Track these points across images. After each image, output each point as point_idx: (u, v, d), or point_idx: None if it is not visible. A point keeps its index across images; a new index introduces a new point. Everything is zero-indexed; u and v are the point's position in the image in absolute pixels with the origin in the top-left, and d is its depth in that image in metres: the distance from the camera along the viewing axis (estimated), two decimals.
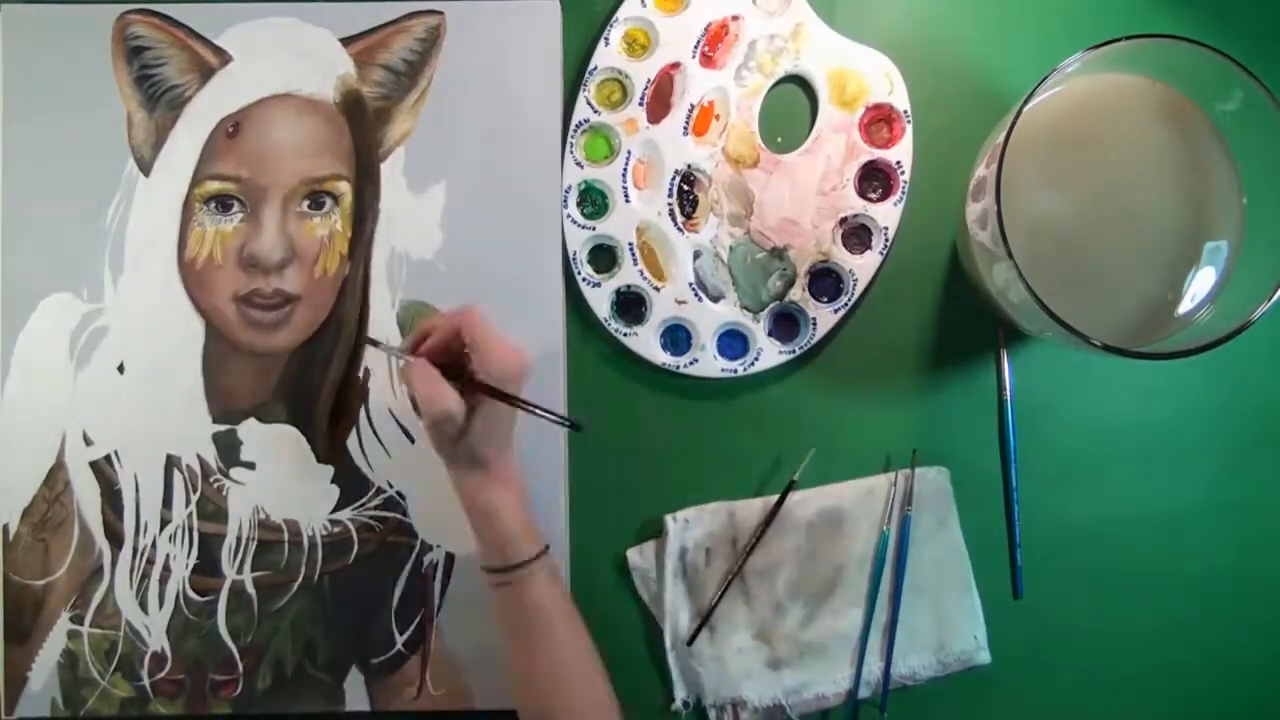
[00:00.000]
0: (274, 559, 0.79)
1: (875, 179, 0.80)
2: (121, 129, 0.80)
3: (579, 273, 0.80)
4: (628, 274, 0.80)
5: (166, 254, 0.80)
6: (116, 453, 0.79)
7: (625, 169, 0.80)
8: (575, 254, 0.80)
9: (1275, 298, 0.62)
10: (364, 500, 0.80)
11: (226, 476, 0.79)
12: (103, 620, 0.79)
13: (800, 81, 0.81)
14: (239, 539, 0.79)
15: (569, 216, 0.80)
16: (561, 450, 0.79)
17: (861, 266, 0.79)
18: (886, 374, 0.81)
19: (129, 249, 0.80)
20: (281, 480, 0.79)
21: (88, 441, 0.79)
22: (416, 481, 0.80)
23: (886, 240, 0.79)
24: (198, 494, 0.79)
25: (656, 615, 0.80)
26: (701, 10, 0.80)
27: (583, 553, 0.79)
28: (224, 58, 0.81)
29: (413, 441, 0.80)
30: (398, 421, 0.80)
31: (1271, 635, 0.80)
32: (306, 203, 0.80)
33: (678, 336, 0.81)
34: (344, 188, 0.80)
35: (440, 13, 0.81)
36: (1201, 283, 0.69)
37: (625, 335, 0.80)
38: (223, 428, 0.80)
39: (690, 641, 0.78)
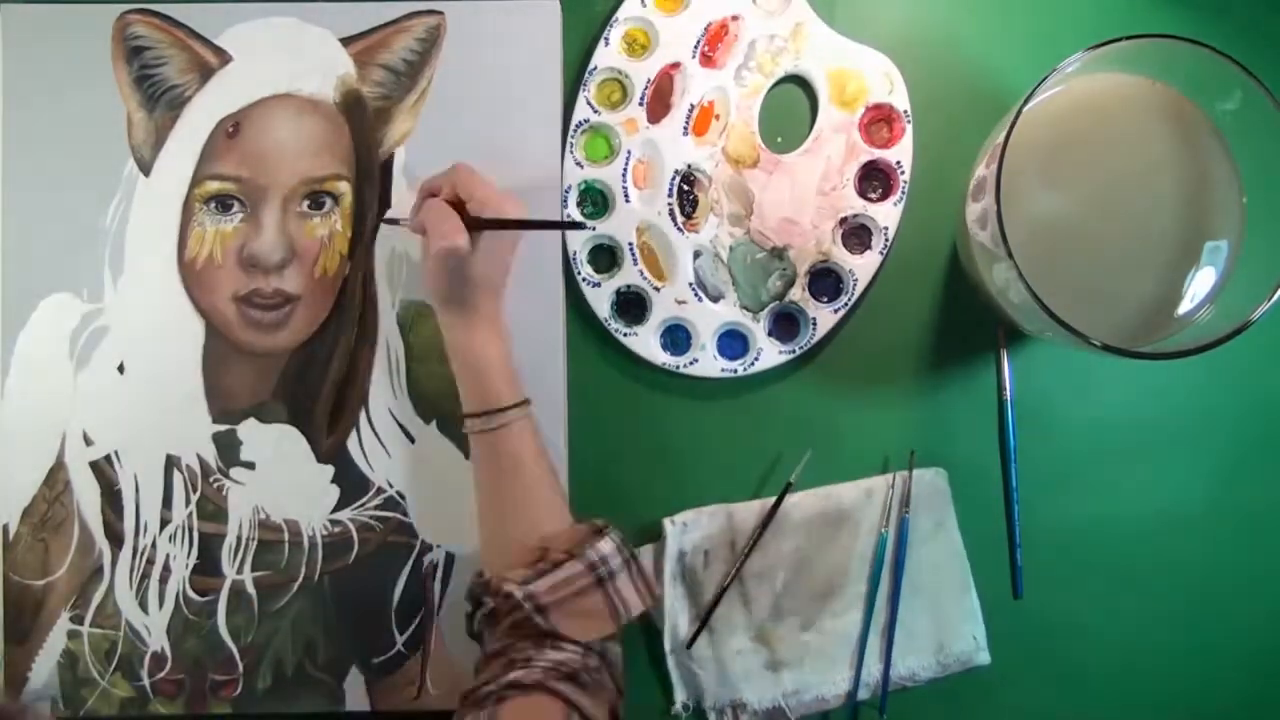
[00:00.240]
0: (274, 559, 0.79)
1: (875, 179, 0.80)
2: (121, 129, 0.80)
3: (579, 273, 0.80)
4: (628, 274, 0.80)
5: (166, 254, 0.80)
6: (116, 453, 0.79)
7: (625, 169, 0.80)
8: (575, 254, 0.80)
9: (1275, 298, 0.62)
10: (364, 500, 0.80)
11: (226, 476, 0.79)
12: (103, 620, 0.79)
13: (800, 81, 0.81)
14: (239, 539, 0.79)
15: (569, 216, 0.80)
16: (562, 450, 0.79)
17: (861, 266, 0.79)
18: (886, 374, 0.81)
19: (129, 249, 0.80)
20: (281, 480, 0.79)
21: (88, 441, 0.79)
22: (416, 481, 0.80)
23: (886, 240, 0.79)
24: (198, 494, 0.79)
25: (655, 618, 0.79)
26: (701, 10, 0.80)
27: None
28: (224, 58, 0.81)
29: (413, 441, 0.80)
30: (398, 421, 0.80)
31: (1272, 634, 0.80)
32: (306, 203, 0.80)
33: (678, 336, 0.81)
34: (344, 188, 0.80)
35: (440, 13, 0.81)
36: (1201, 283, 0.69)
37: (625, 335, 0.80)
38: (223, 427, 0.80)
39: (689, 644, 0.78)
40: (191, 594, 0.79)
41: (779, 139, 0.80)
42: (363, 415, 0.80)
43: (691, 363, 0.80)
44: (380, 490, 0.80)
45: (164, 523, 0.79)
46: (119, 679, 0.79)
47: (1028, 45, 0.80)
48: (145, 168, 0.80)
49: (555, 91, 0.81)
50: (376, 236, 0.80)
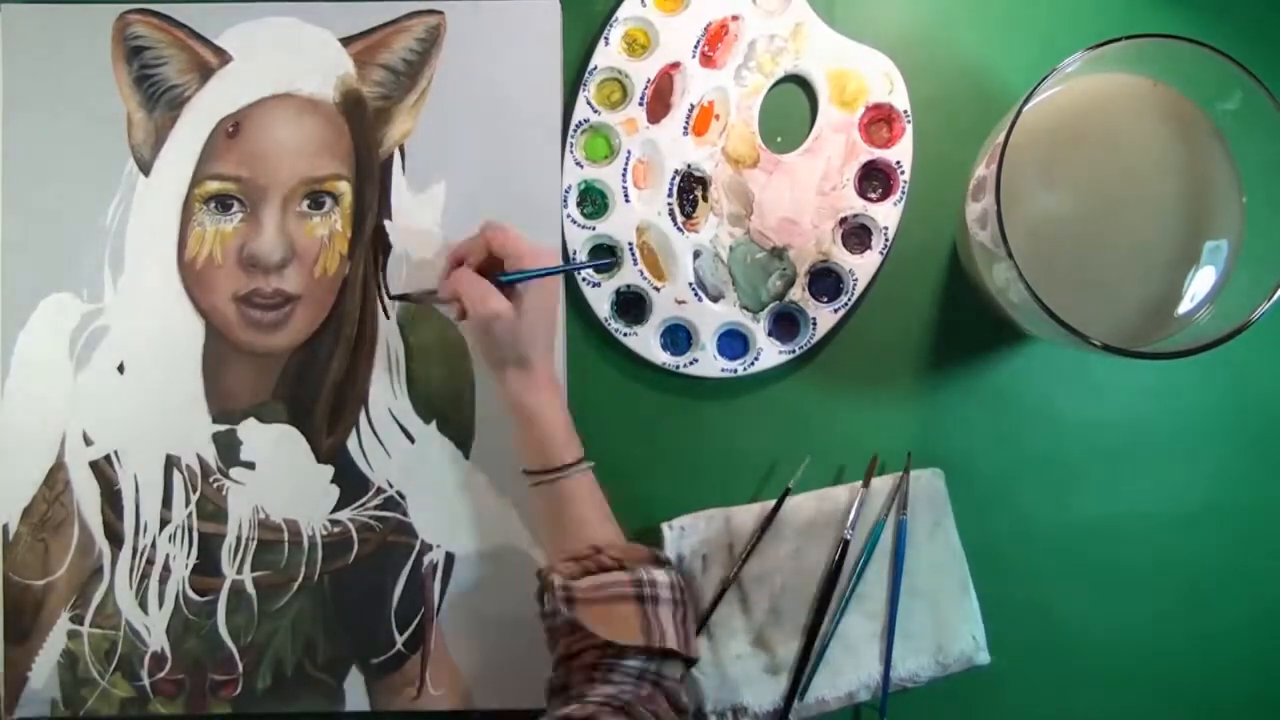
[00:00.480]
0: (274, 559, 0.79)
1: (875, 179, 0.80)
2: (121, 129, 0.80)
3: (579, 272, 0.80)
4: (628, 274, 0.80)
5: (166, 254, 0.80)
6: (116, 453, 0.79)
7: (625, 169, 0.80)
8: (575, 254, 0.80)
9: (1275, 298, 0.62)
10: (364, 500, 0.80)
11: (226, 476, 0.79)
12: (103, 620, 0.79)
13: (800, 81, 0.81)
14: (239, 539, 0.79)
15: (569, 216, 0.80)
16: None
17: (861, 266, 0.79)
18: (886, 374, 0.81)
19: (129, 249, 0.80)
20: (281, 480, 0.79)
21: (88, 441, 0.79)
22: (416, 481, 0.80)
23: (886, 240, 0.79)
24: (197, 494, 0.79)
25: None
26: (701, 10, 0.80)
27: None
28: (224, 58, 0.81)
29: (413, 441, 0.80)
30: (397, 421, 0.80)
31: (1272, 634, 0.80)
32: (306, 202, 0.80)
33: (678, 336, 0.81)
34: (344, 187, 0.80)
35: (440, 12, 0.81)
36: (1201, 282, 0.69)
37: (625, 335, 0.80)
38: (222, 427, 0.80)
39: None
40: (191, 594, 0.79)
41: (779, 139, 0.80)
42: (362, 415, 0.80)
43: (691, 363, 0.80)
44: (380, 490, 0.80)
45: (164, 523, 0.79)
46: (119, 679, 0.79)
47: (1028, 45, 0.80)
48: (145, 167, 0.80)
49: (555, 91, 0.81)
50: (382, 262, 0.80)
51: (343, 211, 0.80)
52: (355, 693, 0.79)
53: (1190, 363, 0.64)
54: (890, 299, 0.80)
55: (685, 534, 0.79)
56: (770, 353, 0.80)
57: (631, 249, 0.80)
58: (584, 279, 0.80)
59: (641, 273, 0.80)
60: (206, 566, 0.79)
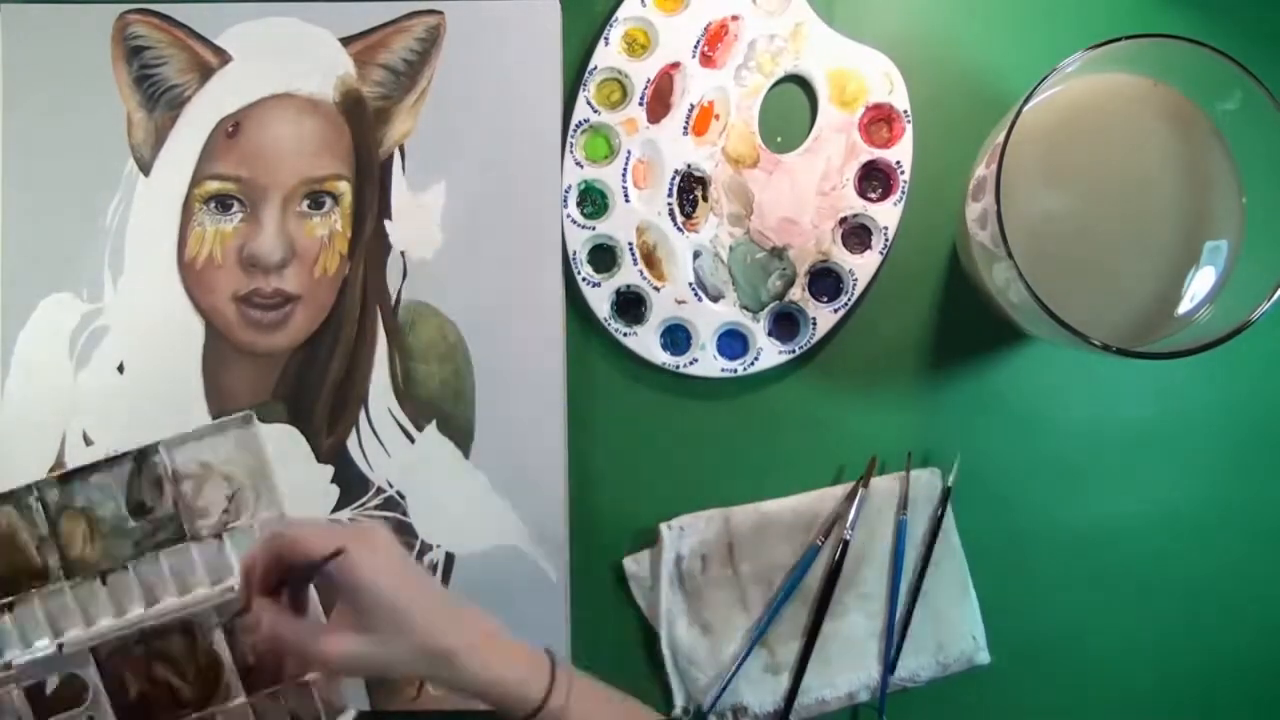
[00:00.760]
0: None
1: (875, 179, 0.80)
2: (121, 129, 0.80)
3: (579, 273, 0.80)
4: (628, 274, 0.80)
5: (166, 254, 0.80)
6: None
7: (625, 169, 0.80)
8: (575, 254, 0.80)
9: (1275, 297, 0.62)
10: (364, 500, 0.80)
11: None
12: None
13: (800, 81, 0.81)
14: None
15: (569, 216, 0.80)
16: (561, 451, 0.79)
17: (861, 266, 0.79)
18: (886, 374, 0.81)
19: (129, 249, 0.80)
20: (281, 480, 0.79)
21: (88, 441, 0.79)
22: (416, 481, 0.80)
23: (886, 240, 0.79)
24: None
25: (653, 623, 0.79)
26: (701, 10, 0.80)
27: (582, 558, 0.79)
28: (224, 57, 0.81)
29: (413, 441, 0.80)
30: (397, 421, 0.80)
31: (1272, 635, 0.80)
32: (306, 202, 0.80)
33: (677, 336, 0.81)
34: (344, 187, 0.80)
35: (440, 12, 0.81)
36: (1201, 282, 0.69)
37: (625, 335, 0.80)
38: None
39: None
40: None
41: (779, 139, 0.80)
42: (362, 415, 0.80)
43: (691, 363, 0.80)
44: (380, 490, 0.80)
45: None
46: None
47: (1028, 45, 0.80)
48: (145, 167, 0.80)
49: (555, 91, 0.81)
50: (381, 262, 0.80)
51: (343, 211, 0.80)
52: (355, 693, 0.79)
53: (1190, 363, 0.64)
54: (890, 299, 0.80)
55: (684, 534, 0.79)
56: (770, 353, 0.80)
57: (631, 249, 0.80)
58: (584, 278, 0.80)
59: (641, 273, 0.80)
60: None
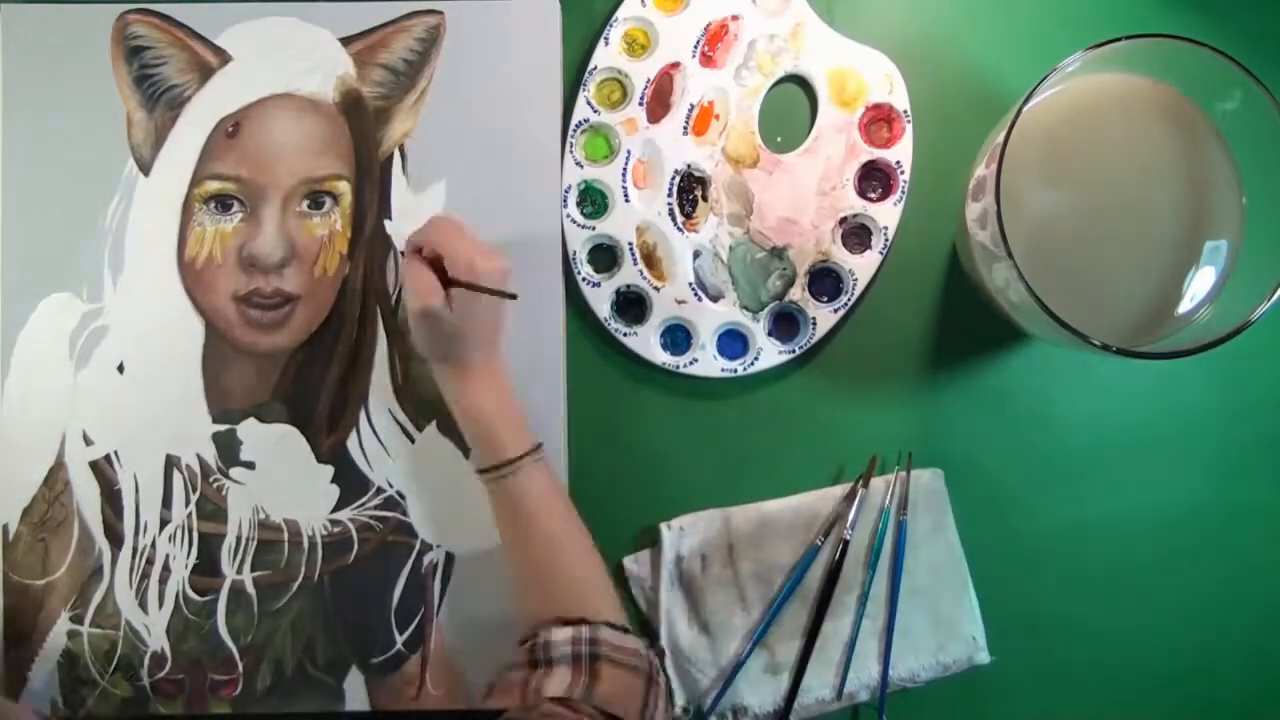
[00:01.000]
0: (274, 559, 0.79)
1: (875, 179, 0.80)
2: (121, 129, 0.80)
3: (579, 273, 0.80)
4: (628, 274, 0.80)
5: (166, 254, 0.80)
6: (116, 452, 0.79)
7: (625, 169, 0.80)
8: (575, 254, 0.80)
9: (1275, 297, 0.62)
10: (364, 500, 0.80)
11: (226, 476, 0.79)
12: (102, 620, 0.79)
13: (800, 81, 0.81)
14: (239, 539, 0.79)
15: (569, 216, 0.80)
16: (561, 451, 0.79)
17: (861, 266, 0.79)
18: (886, 374, 0.81)
19: (129, 249, 0.80)
20: (281, 480, 0.79)
21: (87, 441, 0.79)
22: (416, 481, 0.80)
23: (886, 240, 0.79)
24: (197, 494, 0.79)
25: (653, 623, 0.79)
26: (701, 10, 0.80)
27: None
28: (224, 57, 0.81)
29: (413, 441, 0.80)
30: (397, 422, 0.80)
31: (1272, 635, 0.80)
32: (306, 202, 0.80)
33: (677, 336, 0.81)
34: (344, 187, 0.80)
35: (440, 12, 0.81)
36: (1201, 282, 0.69)
37: (625, 335, 0.80)
38: (222, 427, 0.80)
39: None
40: (191, 594, 0.79)
41: (779, 139, 0.80)
42: (362, 415, 0.80)
43: (691, 363, 0.80)
44: (380, 490, 0.80)
45: (164, 523, 0.79)
46: (119, 679, 0.79)
47: (1028, 45, 0.80)
48: (145, 167, 0.80)
49: (555, 91, 0.81)
50: (381, 262, 0.80)
51: (342, 211, 0.80)
52: (355, 693, 0.79)
53: (1190, 362, 0.64)
54: (890, 299, 0.80)
55: (684, 534, 0.79)
56: (770, 353, 0.80)
57: (631, 249, 0.80)
58: (584, 278, 0.80)
59: (641, 273, 0.80)
60: (206, 566, 0.79)
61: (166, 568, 0.79)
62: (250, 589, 0.79)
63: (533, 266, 0.80)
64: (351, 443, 0.80)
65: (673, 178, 0.80)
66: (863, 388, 0.81)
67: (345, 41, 0.81)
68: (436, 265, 0.71)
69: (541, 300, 0.80)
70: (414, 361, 0.80)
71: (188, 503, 0.79)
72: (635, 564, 0.80)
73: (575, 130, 0.80)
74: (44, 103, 0.80)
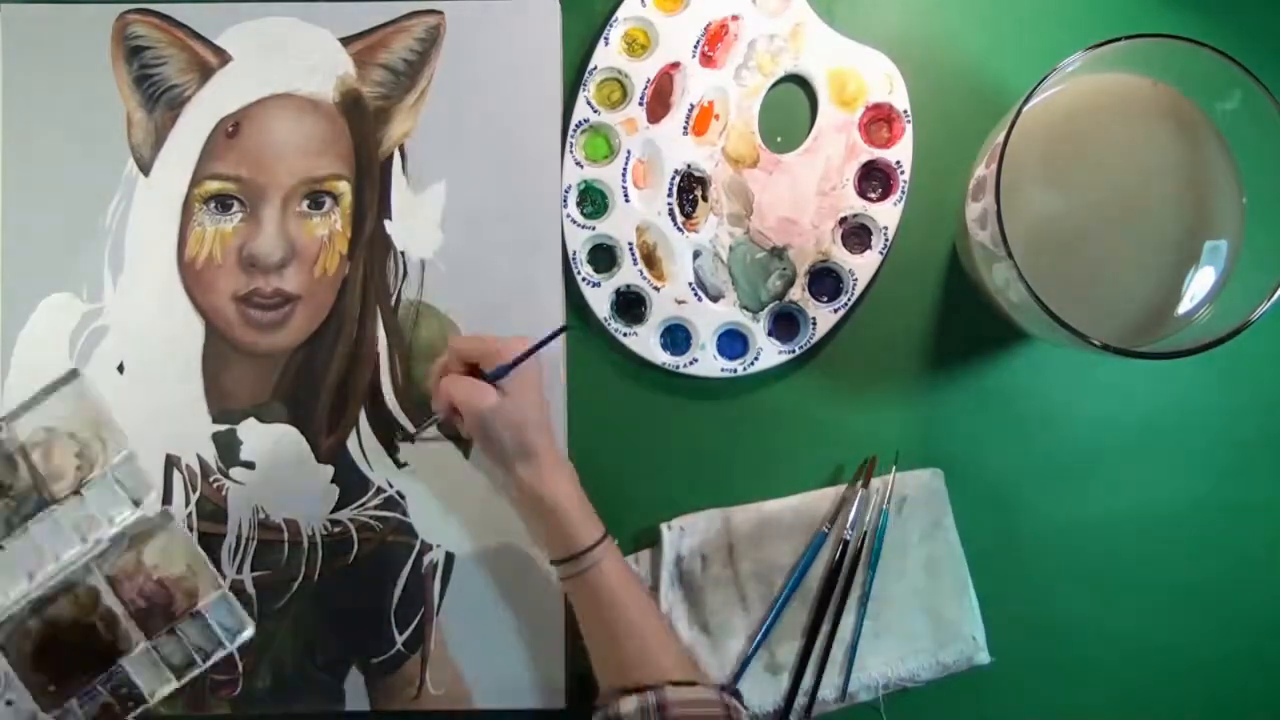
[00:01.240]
0: (274, 559, 0.79)
1: (875, 179, 0.80)
2: (121, 129, 0.80)
3: (579, 272, 0.80)
4: (628, 274, 0.80)
5: (166, 254, 0.80)
6: None
7: (625, 169, 0.80)
8: (575, 254, 0.80)
9: (1275, 297, 0.62)
10: (364, 500, 0.80)
11: (226, 476, 0.79)
12: None
13: (800, 81, 0.81)
14: (239, 539, 0.79)
15: (569, 216, 0.80)
16: (562, 451, 0.79)
17: (861, 266, 0.79)
18: (886, 374, 0.81)
19: (129, 249, 0.80)
20: (281, 480, 0.79)
21: None
22: (416, 481, 0.80)
23: (886, 240, 0.79)
24: (197, 494, 0.79)
25: None
26: (701, 10, 0.80)
27: None
28: (223, 57, 0.81)
29: (412, 441, 0.80)
30: (398, 421, 0.80)
31: (1272, 635, 0.80)
32: (306, 202, 0.80)
33: (677, 336, 0.81)
34: (344, 187, 0.80)
35: (440, 12, 0.81)
36: (1201, 282, 0.69)
37: (625, 335, 0.80)
38: (222, 427, 0.80)
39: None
40: None
41: (779, 139, 0.80)
42: (362, 415, 0.80)
43: (691, 363, 0.80)
44: (380, 490, 0.80)
45: None
46: None
47: (1028, 45, 0.80)
48: (145, 167, 0.80)
49: (555, 91, 0.81)
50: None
51: (342, 211, 0.80)
52: (355, 693, 0.79)
53: (1190, 363, 0.64)
54: (890, 299, 0.80)
55: (685, 534, 0.79)
56: (770, 353, 0.80)
57: (631, 249, 0.80)
58: (584, 278, 0.80)
59: (641, 273, 0.80)
60: None
61: None
62: (250, 589, 0.79)
63: (533, 266, 0.80)
64: (351, 443, 0.80)
65: (673, 178, 0.80)
66: (863, 388, 0.81)
67: (345, 41, 0.81)
68: (471, 374, 0.73)
69: (541, 300, 0.80)
70: (414, 361, 0.80)
71: (188, 502, 0.79)
72: (635, 564, 0.80)
73: (575, 130, 0.80)
74: (44, 102, 0.80)
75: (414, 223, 0.80)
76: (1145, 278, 0.69)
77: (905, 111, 0.79)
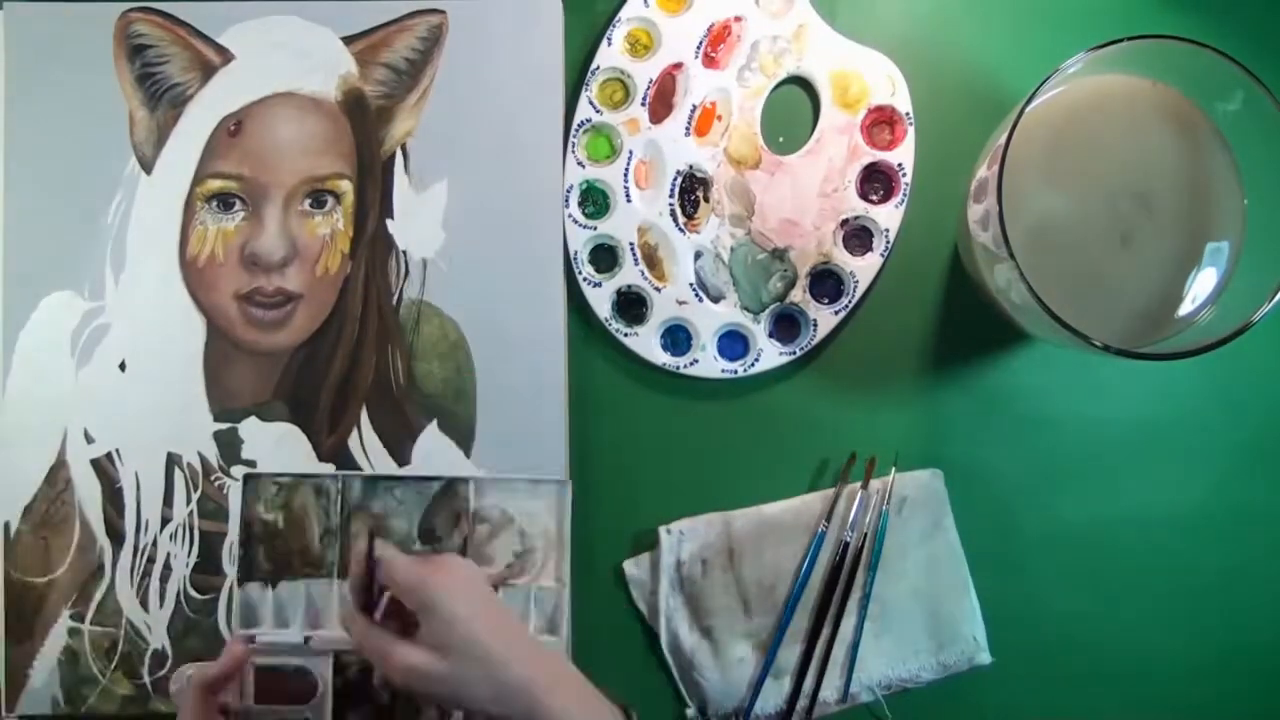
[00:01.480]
0: None
1: (877, 181, 0.80)
2: (123, 127, 0.80)
3: (580, 272, 0.80)
4: (628, 274, 0.80)
5: (168, 252, 0.80)
6: (118, 451, 0.79)
7: (627, 169, 0.80)
8: (576, 254, 0.80)
9: (1276, 299, 0.62)
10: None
11: (227, 475, 0.79)
12: (103, 618, 0.79)
13: (802, 83, 0.81)
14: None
15: (570, 216, 0.80)
16: (562, 451, 0.79)
17: (862, 268, 0.79)
18: (887, 376, 0.81)
19: (130, 247, 0.80)
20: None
21: (89, 439, 0.79)
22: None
23: (888, 242, 0.79)
24: (199, 492, 0.79)
25: (654, 627, 0.79)
26: (704, 11, 0.80)
27: (583, 558, 0.79)
28: (226, 56, 0.81)
29: (413, 441, 0.80)
30: (398, 421, 0.80)
31: (1273, 636, 0.80)
32: (308, 201, 0.80)
33: (678, 337, 0.81)
34: (346, 186, 0.80)
35: (442, 12, 0.81)
36: (1203, 284, 0.69)
37: (625, 335, 0.80)
38: (224, 426, 0.80)
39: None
40: (192, 592, 0.79)
41: (781, 140, 0.81)
42: (364, 414, 0.80)
43: (692, 363, 0.80)
44: None
45: (165, 521, 0.79)
46: (120, 677, 0.79)
47: (1029, 47, 0.80)
48: (147, 166, 0.80)
49: (557, 91, 0.81)
50: (383, 261, 0.80)
51: (345, 210, 0.80)
52: None
53: (1191, 364, 0.64)
54: (891, 301, 0.80)
55: (684, 538, 0.79)
56: (770, 354, 0.80)
57: (633, 249, 0.80)
58: (584, 278, 0.80)
59: (642, 273, 0.80)
60: (207, 565, 0.79)
61: (168, 566, 0.79)
62: None
63: (533, 266, 0.80)
64: (352, 441, 0.80)
65: (674, 178, 0.80)
66: (863, 389, 0.81)
67: (347, 40, 0.81)
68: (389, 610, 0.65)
69: (541, 300, 0.80)
70: (415, 360, 0.80)
71: (189, 501, 0.79)
72: (635, 567, 0.80)
73: (577, 130, 0.80)
74: (46, 101, 0.80)
75: (416, 222, 0.80)
76: (1147, 279, 0.69)
77: (907, 114, 0.79)
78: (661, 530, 0.79)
